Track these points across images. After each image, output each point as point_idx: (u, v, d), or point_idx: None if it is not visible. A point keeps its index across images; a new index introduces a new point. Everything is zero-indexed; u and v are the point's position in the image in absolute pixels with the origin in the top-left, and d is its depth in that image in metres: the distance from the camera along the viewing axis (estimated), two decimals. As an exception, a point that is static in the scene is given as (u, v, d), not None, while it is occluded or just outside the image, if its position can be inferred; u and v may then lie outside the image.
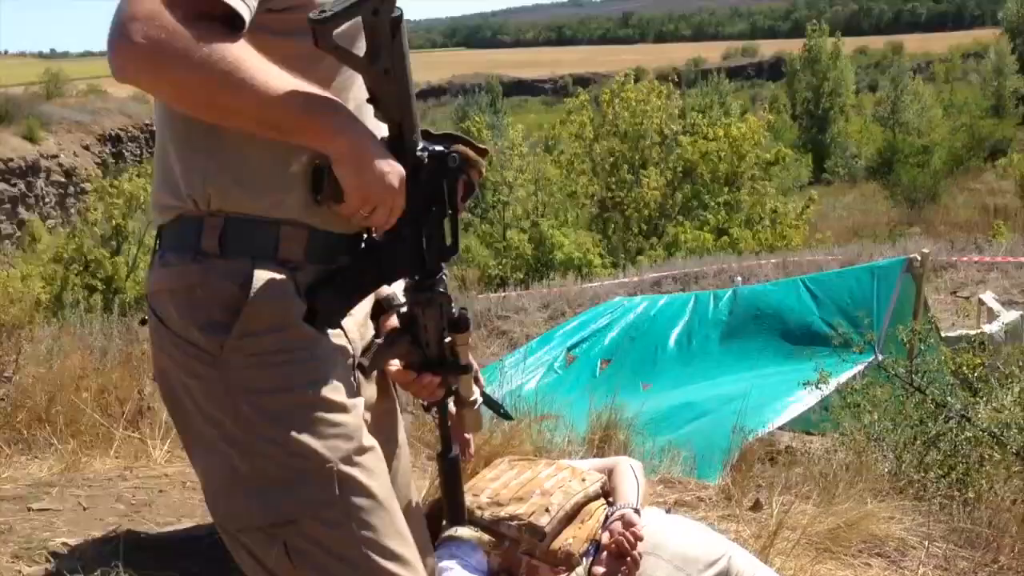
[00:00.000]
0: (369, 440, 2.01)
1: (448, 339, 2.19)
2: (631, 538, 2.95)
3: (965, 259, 18.85)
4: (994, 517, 4.62)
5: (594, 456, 5.04)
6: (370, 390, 2.26)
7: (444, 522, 3.18)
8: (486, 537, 3.05)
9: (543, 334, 13.60)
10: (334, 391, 1.95)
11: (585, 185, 28.91)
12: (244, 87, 1.68)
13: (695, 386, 10.21)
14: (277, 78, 1.71)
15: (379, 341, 2.24)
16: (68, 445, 4.35)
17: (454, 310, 2.14)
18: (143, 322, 2.07)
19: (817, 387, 7.36)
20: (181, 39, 1.62)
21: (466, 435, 3.23)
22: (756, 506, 4.62)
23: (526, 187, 29.19)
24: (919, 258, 10.09)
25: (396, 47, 1.80)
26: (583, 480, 3.23)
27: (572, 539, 3.04)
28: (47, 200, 44.47)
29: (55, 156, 45.36)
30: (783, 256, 20.99)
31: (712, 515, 4.50)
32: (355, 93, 1.93)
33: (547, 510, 3.05)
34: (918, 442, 5.83)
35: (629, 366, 11.24)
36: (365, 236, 2.05)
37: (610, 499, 3.27)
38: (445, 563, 3.04)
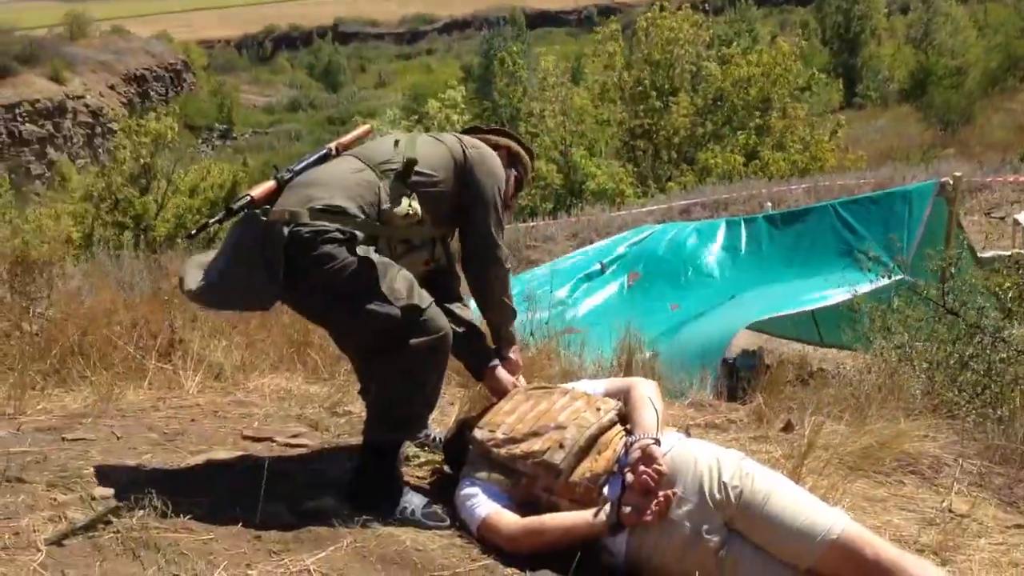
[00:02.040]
0: None
1: None
2: (654, 475, 2.90)
3: (1000, 180, 18.56)
4: (1029, 434, 4.57)
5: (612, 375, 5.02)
6: None
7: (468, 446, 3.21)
8: (504, 479, 3.07)
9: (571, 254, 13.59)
10: None
11: (614, 112, 28.59)
12: None
13: (724, 307, 10.14)
14: None
15: None
16: (101, 377, 4.38)
17: None
18: None
19: (851, 311, 7.30)
20: None
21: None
22: (787, 427, 4.60)
23: (555, 117, 28.87)
24: (951, 181, 9.92)
25: None
26: (597, 410, 3.21)
27: (589, 472, 3.03)
28: (75, 140, 44.64)
29: (81, 97, 45.41)
30: (814, 181, 20.77)
31: (743, 437, 4.48)
32: None
33: (561, 445, 3.04)
34: (951, 362, 5.78)
35: (658, 287, 11.21)
36: None
37: (627, 426, 3.23)
38: (468, 489, 3.08)
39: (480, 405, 3.70)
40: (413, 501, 3.09)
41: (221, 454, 3.44)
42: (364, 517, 2.90)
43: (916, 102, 41.87)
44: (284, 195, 3.08)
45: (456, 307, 3.53)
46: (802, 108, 28.40)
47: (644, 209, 20.68)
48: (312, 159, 3.27)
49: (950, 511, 3.71)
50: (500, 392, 3.50)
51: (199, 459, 3.36)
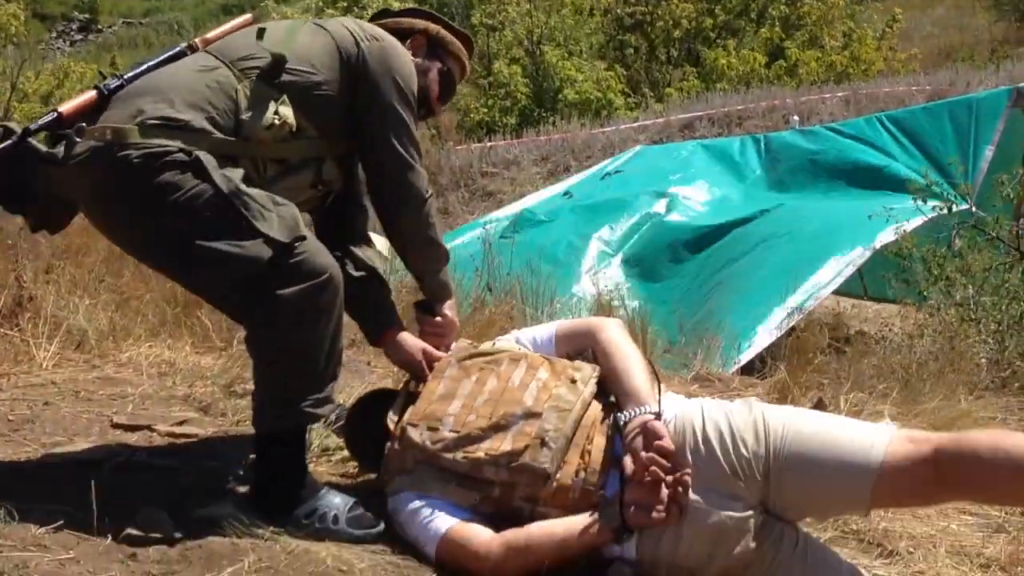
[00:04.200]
0: None
1: None
2: (664, 464, 2.79)
3: (1092, 86, 18.68)
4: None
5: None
6: None
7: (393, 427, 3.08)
8: (467, 492, 2.93)
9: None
10: None
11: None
12: None
13: (734, 247, 10.20)
14: None
15: None
16: (-76, 346, 4.33)
17: None
18: None
19: (899, 255, 7.35)
20: None
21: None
22: (819, 406, 4.62)
23: (520, 5, 28.61)
24: (1032, 88, 10.00)
25: None
26: (572, 382, 3.07)
27: (583, 470, 2.92)
28: None
29: None
30: (854, 88, 20.81)
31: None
32: None
33: (543, 442, 2.89)
34: (1026, 322, 5.85)
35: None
36: None
37: (611, 397, 3.13)
38: (413, 503, 2.95)
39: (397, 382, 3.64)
40: (333, 503, 3.03)
41: (83, 447, 3.41)
42: (271, 527, 2.88)
43: (985, -16, 41.96)
44: (109, 109, 2.97)
45: (360, 249, 3.46)
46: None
47: (634, 124, 20.67)
48: (155, 60, 3.14)
49: (1023, 515, 3.75)
50: (408, 366, 3.40)
51: (55, 453, 3.33)
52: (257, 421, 3.02)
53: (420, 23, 3.56)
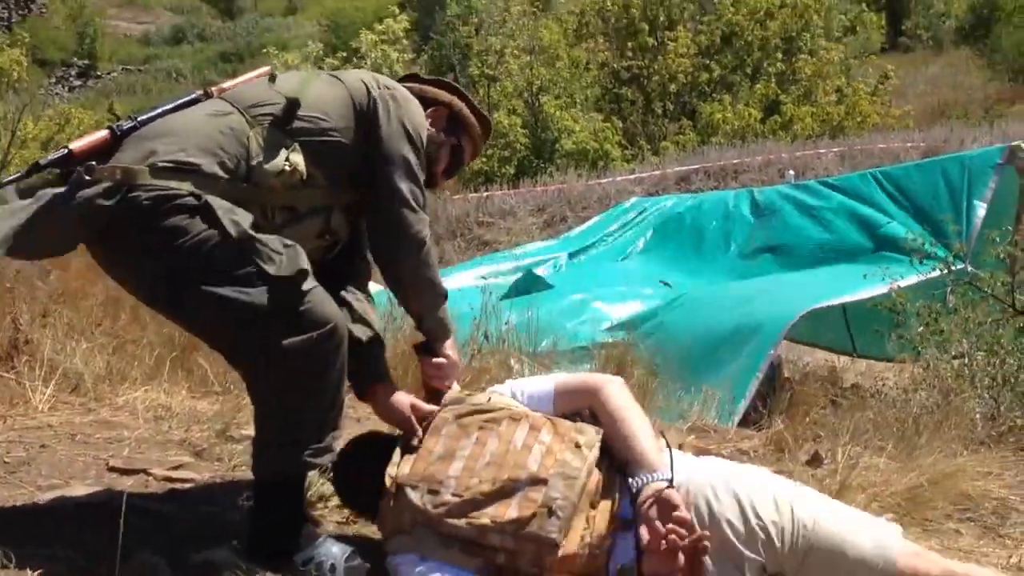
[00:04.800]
0: None
1: None
2: (681, 532, 2.73)
3: (1084, 146, 18.78)
4: (1117, 471, 4.64)
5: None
6: None
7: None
8: (470, 558, 2.86)
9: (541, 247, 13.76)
10: None
11: (595, 52, 28.61)
12: None
13: (730, 305, 10.23)
14: None
15: None
16: (-79, 388, 4.32)
17: None
18: None
19: (893, 311, 7.37)
20: None
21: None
22: (815, 459, 4.63)
23: (519, 57, 28.75)
24: (1023, 146, 10.05)
25: None
26: (576, 446, 3.00)
27: (589, 536, 2.87)
28: None
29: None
30: (848, 144, 20.91)
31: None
32: None
33: (551, 512, 2.83)
34: (1022, 377, 5.85)
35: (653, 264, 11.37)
36: None
37: (612, 458, 3.07)
38: (420, 568, 2.88)
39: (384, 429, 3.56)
40: (331, 552, 3.00)
41: (80, 490, 3.39)
42: (269, 574, 2.87)
43: (978, 45, 42.27)
44: (121, 150, 2.95)
45: (356, 300, 3.41)
46: (837, 50, 28.59)
47: (631, 177, 20.74)
48: (170, 105, 3.13)
49: (1020, 569, 3.74)
50: (398, 422, 3.31)
51: (51, 497, 3.31)
52: (256, 466, 2.99)
53: (445, 96, 3.55)
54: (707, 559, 2.75)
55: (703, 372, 7.68)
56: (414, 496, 2.91)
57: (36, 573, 2.66)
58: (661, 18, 28.41)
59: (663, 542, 2.71)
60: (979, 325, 6.56)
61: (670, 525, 2.72)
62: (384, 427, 3.55)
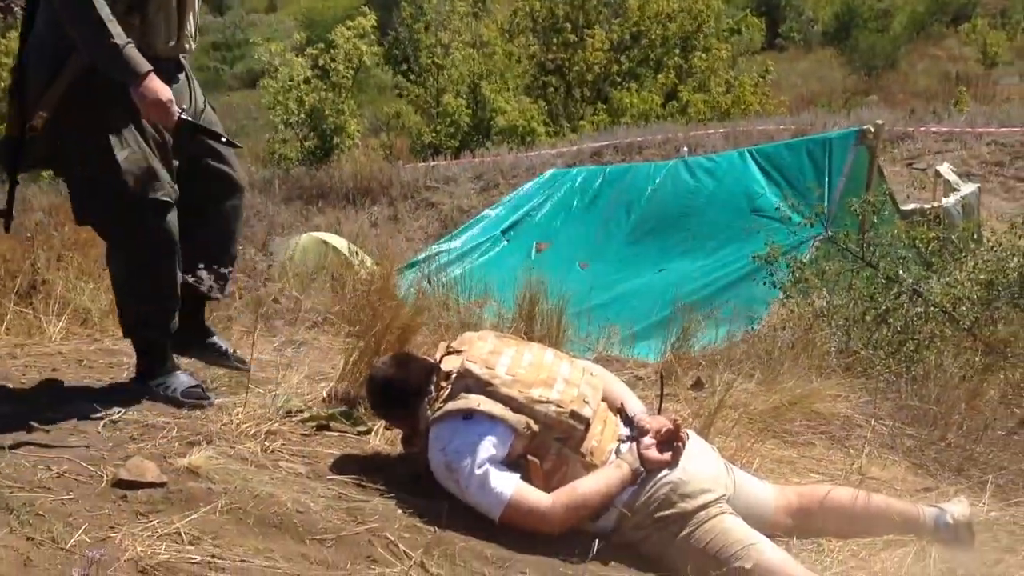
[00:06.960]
0: None
1: None
2: (669, 426, 3.06)
3: (923, 129, 18.99)
4: (942, 394, 4.72)
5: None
6: None
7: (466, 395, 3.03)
8: (521, 418, 2.94)
9: (475, 217, 13.65)
10: None
11: (525, 46, 28.50)
12: None
13: (635, 263, 10.28)
14: None
15: None
16: (-50, 320, 4.25)
17: None
18: None
19: (767, 262, 7.42)
20: None
21: None
22: (697, 384, 4.68)
23: (463, 50, 28.58)
24: (872, 129, 10.13)
25: None
26: (592, 375, 3.22)
27: (600, 437, 3.05)
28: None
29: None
30: (732, 126, 21.02)
31: (651, 394, 4.53)
32: None
33: (586, 401, 3.03)
34: (868, 318, 5.92)
35: (565, 245, 11.30)
36: None
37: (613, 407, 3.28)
38: (471, 439, 2.92)
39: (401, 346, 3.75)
40: (180, 380, 3.42)
41: (84, 405, 3.35)
42: (242, 476, 2.85)
43: (840, 45, 42.50)
44: None
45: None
46: (725, 48, 28.69)
47: (553, 151, 20.73)
48: None
49: (860, 473, 3.81)
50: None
51: (60, 411, 3.27)
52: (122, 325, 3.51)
53: None
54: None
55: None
56: (476, 369, 3.04)
57: (45, 473, 2.65)
58: (581, 19, 28.31)
59: (664, 433, 3.05)
60: (835, 276, 6.62)
61: (665, 422, 3.09)
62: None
